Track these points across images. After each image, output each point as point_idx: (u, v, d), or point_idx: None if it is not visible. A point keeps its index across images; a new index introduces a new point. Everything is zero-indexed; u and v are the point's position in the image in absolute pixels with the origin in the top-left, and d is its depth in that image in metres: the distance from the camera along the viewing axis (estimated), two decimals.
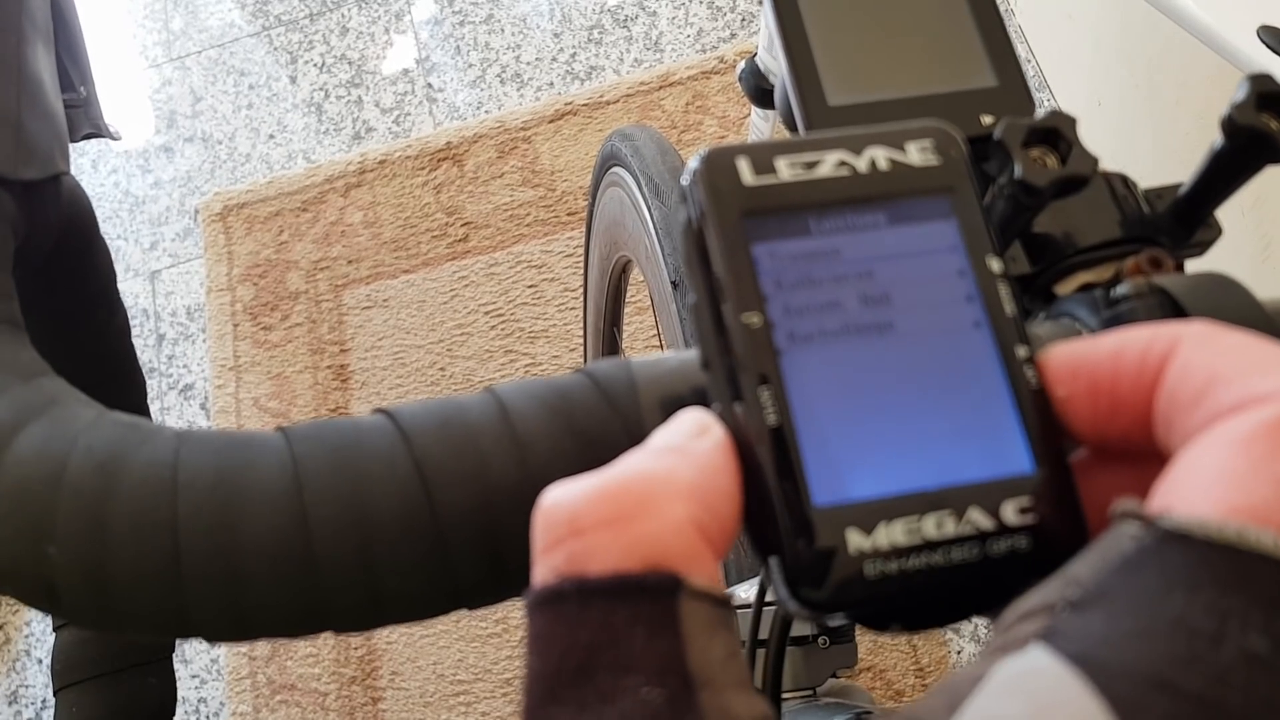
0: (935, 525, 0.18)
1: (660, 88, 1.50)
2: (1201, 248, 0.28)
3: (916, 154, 0.21)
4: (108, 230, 1.58)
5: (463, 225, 1.47)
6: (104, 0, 1.76)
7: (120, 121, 1.66)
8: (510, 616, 1.26)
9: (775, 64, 1.08)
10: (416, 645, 1.27)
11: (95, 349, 0.36)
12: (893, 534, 0.18)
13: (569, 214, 1.45)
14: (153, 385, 1.47)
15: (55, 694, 0.37)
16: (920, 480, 0.18)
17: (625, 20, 1.57)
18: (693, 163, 0.20)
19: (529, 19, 1.60)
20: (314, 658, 1.28)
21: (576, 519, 0.17)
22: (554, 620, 0.17)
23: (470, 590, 0.23)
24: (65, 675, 0.36)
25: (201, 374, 1.46)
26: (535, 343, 1.39)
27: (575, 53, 1.56)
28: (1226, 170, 0.26)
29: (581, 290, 1.42)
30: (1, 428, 0.22)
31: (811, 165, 0.20)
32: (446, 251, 1.46)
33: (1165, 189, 0.29)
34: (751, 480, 0.19)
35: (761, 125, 1.25)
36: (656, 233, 0.63)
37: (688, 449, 0.18)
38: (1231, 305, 0.22)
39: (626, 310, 1.04)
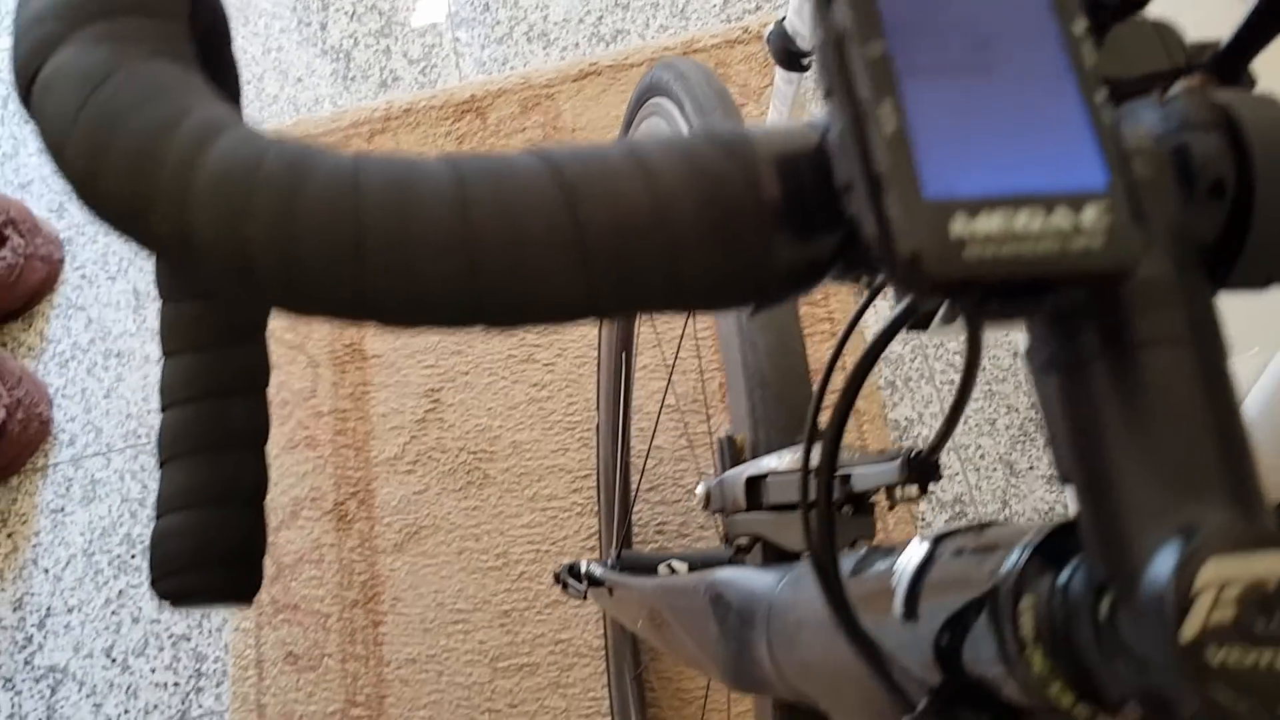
0: (1026, 219, 0.22)
1: (684, 54, 1.54)
2: None
3: None
4: None
5: None
6: None
7: None
8: (510, 552, 1.30)
9: (804, 26, 1.12)
10: (419, 574, 1.30)
11: None
12: (990, 223, 0.22)
13: None
14: None
15: (161, 466, 0.40)
16: (1015, 186, 0.22)
17: None
18: None
19: None
20: (318, 580, 1.32)
21: None
22: None
23: (601, 299, 0.26)
24: (171, 448, 0.40)
25: None
26: None
27: (602, 16, 1.60)
28: (1267, 21, 0.30)
29: None
30: (208, 126, 0.26)
31: None
32: None
33: (1205, 44, 0.32)
34: (871, 183, 0.23)
35: (785, 90, 1.29)
36: None
37: None
38: None
39: None
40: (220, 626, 1.32)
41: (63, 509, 1.41)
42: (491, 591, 1.29)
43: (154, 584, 0.39)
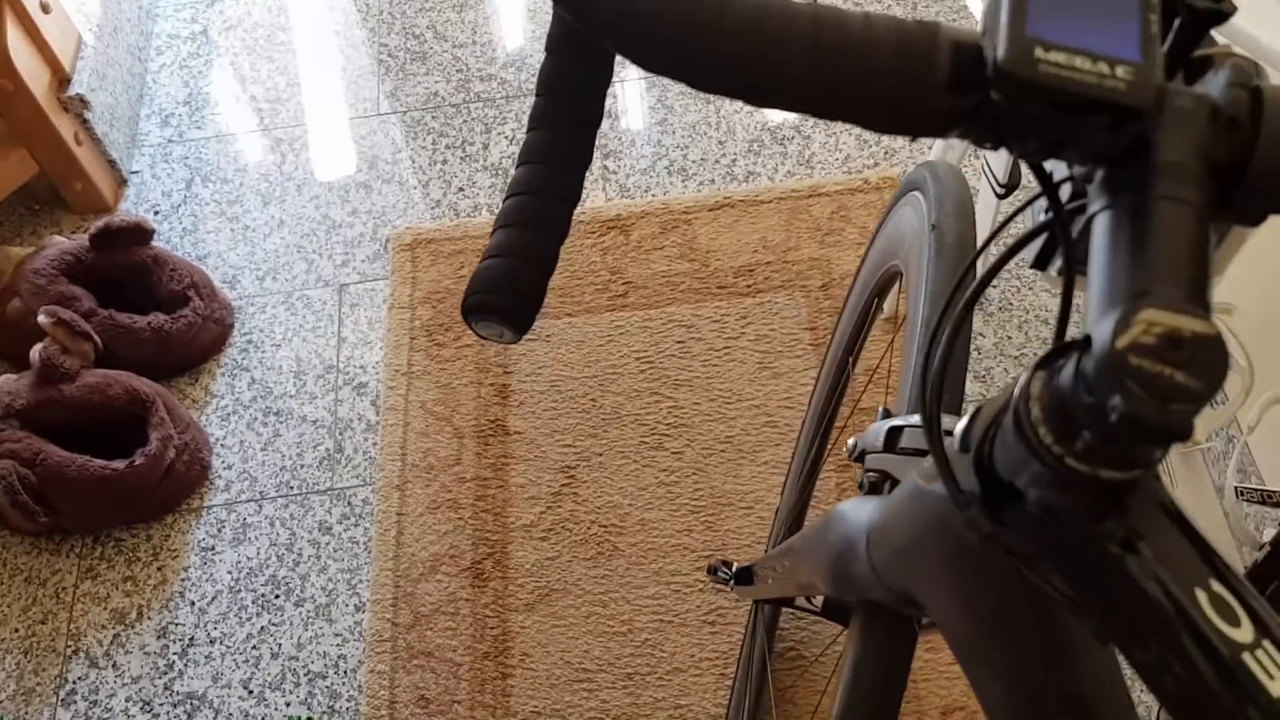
0: (1081, 61, 0.35)
1: (809, 196, 1.73)
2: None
3: None
4: (304, 245, 1.78)
5: (624, 284, 1.68)
6: (326, 57, 2.02)
7: (326, 160, 1.89)
8: (635, 620, 1.39)
9: (998, 167, 1.26)
10: (548, 633, 1.40)
11: None
12: (1059, 56, 0.35)
13: (719, 287, 1.66)
14: (329, 379, 1.64)
15: (493, 231, 0.55)
16: (1082, 43, 0.35)
17: (782, 139, 1.82)
18: None
19: (698, 126, 1.85)
20: (452, 631, 1.41)
21: None
22: None
23: (817, 88, 0.39)
24: (505, 219, 0.55)
25: (375, 376, 1.63)
26: (679, 390, 1.58)
27: (736, 159, 1.80)
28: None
29: (724, 350, 1.61)
30: None
31: None
32: (607, 303, 1.66)
33: None
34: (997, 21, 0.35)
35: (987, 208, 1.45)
36: (931, 244, 0.79)
37: None
38: None
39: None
40: (355, 668, 1.40)
41: (213, 548, 1.51)
42: (616, 655, 1.38)
43: (466, 299, 0.54)
